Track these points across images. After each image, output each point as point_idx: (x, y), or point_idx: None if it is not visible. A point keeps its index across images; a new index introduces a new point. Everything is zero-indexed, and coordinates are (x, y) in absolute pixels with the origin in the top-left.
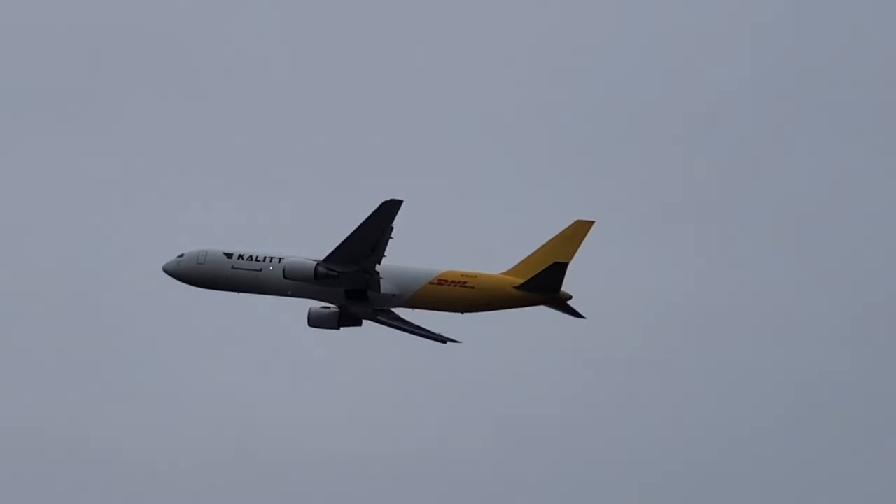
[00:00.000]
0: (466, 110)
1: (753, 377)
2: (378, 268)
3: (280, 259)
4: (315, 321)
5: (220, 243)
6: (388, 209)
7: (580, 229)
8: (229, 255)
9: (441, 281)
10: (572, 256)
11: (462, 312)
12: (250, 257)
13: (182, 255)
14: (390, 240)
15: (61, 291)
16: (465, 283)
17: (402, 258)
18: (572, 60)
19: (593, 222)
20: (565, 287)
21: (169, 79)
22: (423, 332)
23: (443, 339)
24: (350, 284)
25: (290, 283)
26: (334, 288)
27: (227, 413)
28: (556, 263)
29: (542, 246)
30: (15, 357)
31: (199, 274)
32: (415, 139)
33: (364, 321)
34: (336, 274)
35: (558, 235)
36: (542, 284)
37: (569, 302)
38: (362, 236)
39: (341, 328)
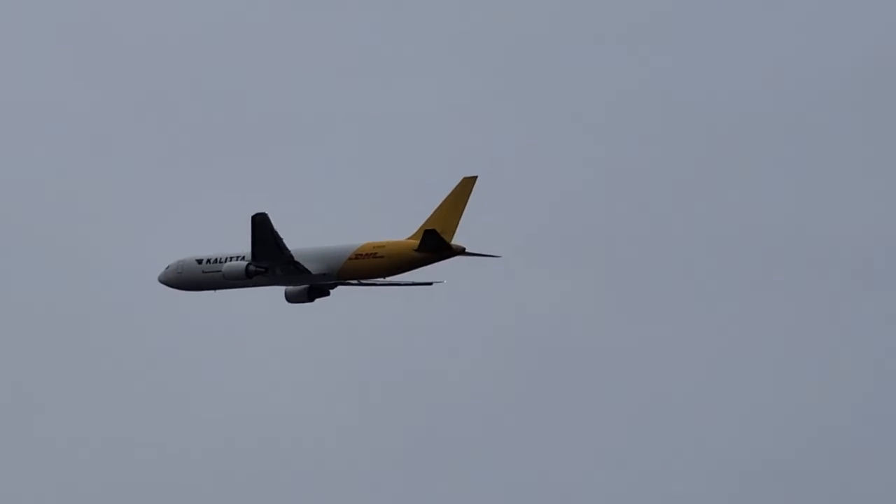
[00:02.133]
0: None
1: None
2: (309, 251)
3: (239, 258)
4: (290, 298)
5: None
6: (261, 222)
7: (466, 185)
8: (199, 261)
9: (357, 255)
10: (460, 213)
11: (384, 278)
12: (216, 260)
13: (168, 267)
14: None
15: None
16: (375, 254)
17: (337, 236)
18: None
19: (476, 177)
20: (458, 240)
21: None
22: (395, 283)
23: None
24: (284, 272)
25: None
26: (273, 277)
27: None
28: (426, 231)
29: (438, 206)
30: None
31: (182, 280)
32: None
33: (332, 290)
34: (264, 269)
35: (450, 193)
36: (431, 246)
37: (467, 249)
38: (260, 244)
39: (314, 300)
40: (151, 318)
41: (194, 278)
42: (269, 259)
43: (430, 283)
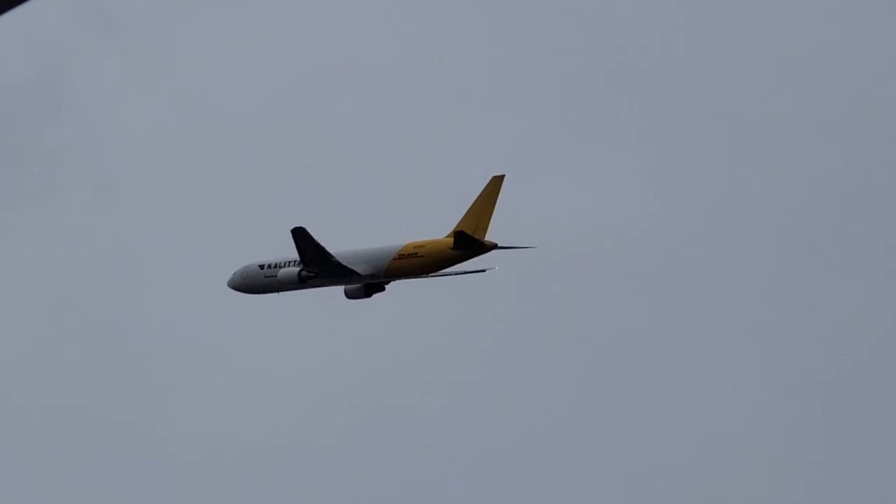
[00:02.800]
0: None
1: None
2: (356, 252)
3: (298, 262)
4: (349, 294)
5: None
6: (300, 234)
7: (496, 184)
8: (261, 266)
9: (401, 255)
10: (491, 210)
11: (427, 275)
12: (275, 265)
13: (234, 273)
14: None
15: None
16: (416, 253)
17: (382, 238)
18: None
19: (504, 176)
20: (490, 237)
21: None
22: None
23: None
24: (335, 275)
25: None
26: (325, 280)
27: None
28: (456, 232)
29: (471, 205)
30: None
31: (248, 285)
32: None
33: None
34: (315, 274)
35: (481, 192)
36: (464, 244)
37: (501, 244)
38: (306, 254)
39: (371, 295)
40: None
41: (258, 283)
42: (317, 265)
43: (484, 271)
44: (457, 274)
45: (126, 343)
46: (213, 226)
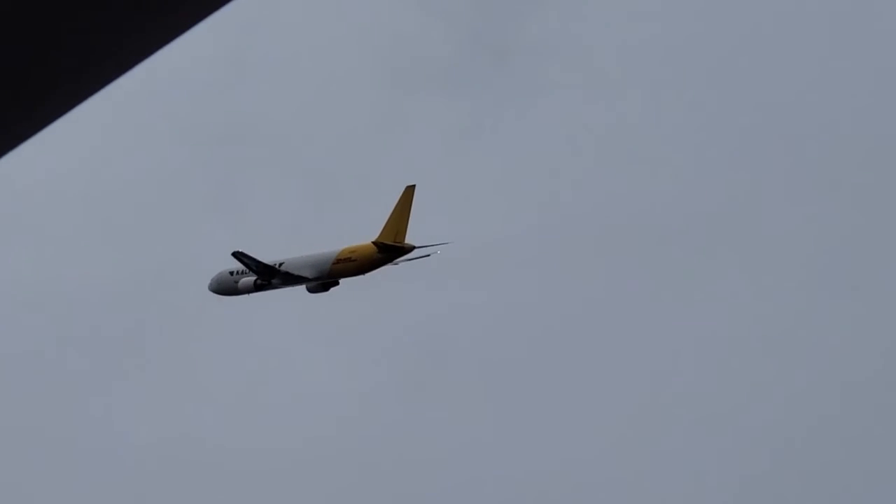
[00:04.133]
0: None
1: None
2: (302, 259)
3: (278, 264)
4: (310, 290)
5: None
6: (239, 256)
7: (409, 193)
8: (231, 273)
9: (338, 260)
10: (407, 216)
11: (363, 274)
12: (241, 272)
13: (211, 279)
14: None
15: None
16: (350, 258)
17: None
18: None
19: (415, 185)
20: (410, 239)
21: None
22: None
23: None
24: (286, 281)
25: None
26: (279, 285)
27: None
28: (374, 243)
29: (391, 212)
30: None
31: (221, 289)
32: None
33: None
34: (268, 282)
35: (398, 201)
36: (387, 250)
37: (416, 246)
38: (253, 269)
39: (329, 290)
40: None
41: (229, 287)
42: (268, 276)
43: (429, 255)
44: (407, 260)
45: None
46: None
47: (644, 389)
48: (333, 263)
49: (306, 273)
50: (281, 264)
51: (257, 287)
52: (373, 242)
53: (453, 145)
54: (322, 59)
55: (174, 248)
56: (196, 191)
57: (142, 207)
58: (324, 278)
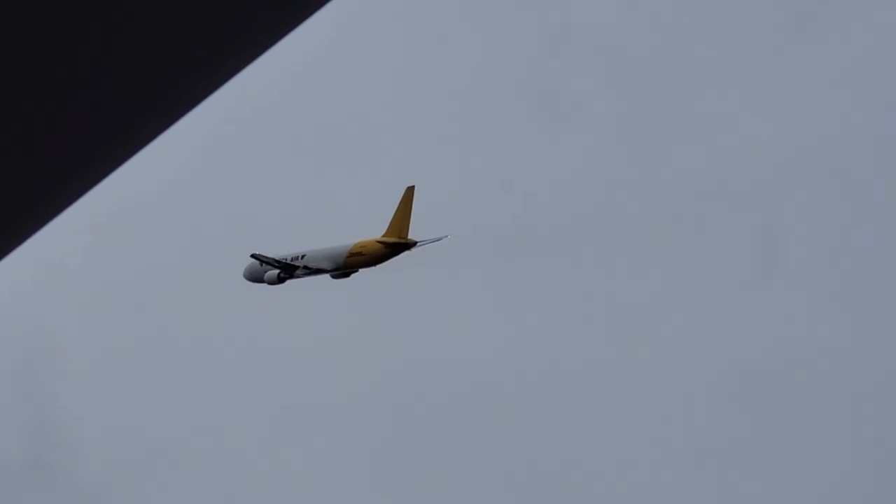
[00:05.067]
0: None
1: None
2: (320, 253)
3: (300, 256)
4: (333, 277)
5: None
6: (257, 257)
7: (409, 193)
8: (261, 263)
9: (351, 253)
10: (409, 214)
11: (374, 266)
12: (269, 263)
13: (245, 267)
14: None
15: None
16: (361, 252)
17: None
18: None
19: (414, 186)
20: (413, 235)
21: None
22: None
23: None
24: (307, 273)
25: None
26: (302, 277)
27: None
28: (378, 242)
29: (395, 211)
30: None
31: (253, 277)
32: None
33: None
34: (289, 276)
35: (399, 201)
36: (392, 246)
37: (420, 241)
38: (275, 266)
39: (350, 276)
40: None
41: (259, 275)
42: (289, 270)
43: (440, 239)
44: (419, 245)
45: None
46: None
47: None
48: (347, 257)
49: (324, 265)
50: (302, 257)
51: (280, 279)
52: (377, 241)
53: None
54: None
55: None
56: None
57: None
58: (340, 269)
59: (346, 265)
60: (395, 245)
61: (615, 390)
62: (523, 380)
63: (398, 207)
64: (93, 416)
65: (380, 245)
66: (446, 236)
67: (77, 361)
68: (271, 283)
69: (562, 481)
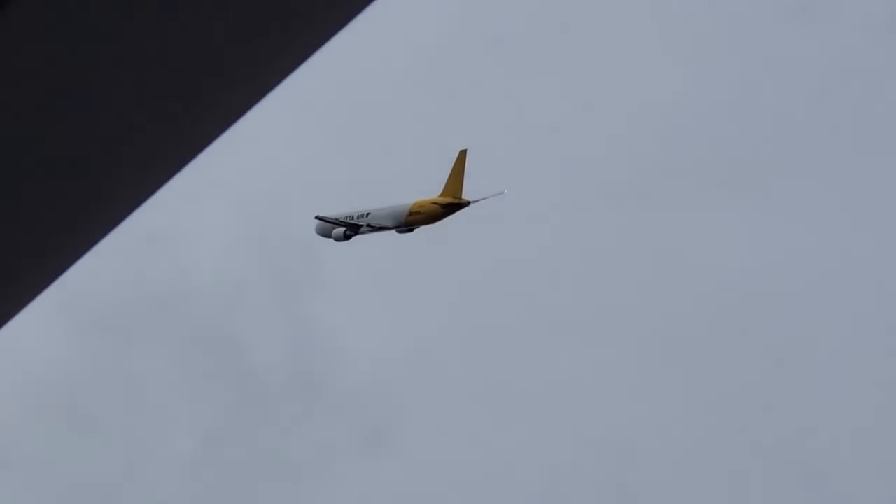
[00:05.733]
0: None
1: None
2: (382, 211)
3: (365, 214)
4: (398, 232)
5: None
6: (321, 219)
7: (462, 156)
8: (322, 219)
9: (411, 212)
10: (462, 178)
11: (433, 223)
12: (336, 220)
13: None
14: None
15: None
16: (419, 211)
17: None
18: None
19: (466, 150)
20: (466, 195)
21: None
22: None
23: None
24: (372, 230)
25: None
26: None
27: None
28: (433, 202)
29: (449, 174)
30: None
31: (325, 233)
32: None
33: None
34: (354, 233)
35: (454, 164)
36: (448, 206)
37: (474, 199)
38: (341, 225)
39: (413, 230)
40: None
41: (328, 232)
42: (353, 228)
43: (501, 193)
44: (477, 201)
45: None
46: None
47: None
48: (407, 216)
49: (387, 223)
50: (367, 214)
51: (346, 237)
52: (433, 202)
53: None
54: None
55: None
56: None
57: None
58: (402, 226)
59: (407, 223)
60: (449, 205)
61: None
62: None
63: (452, 170)
64: (353, 327)
65: (436, 206)
66: (503, 192)
67: (333, 272)
68: (338, 239)
69: None
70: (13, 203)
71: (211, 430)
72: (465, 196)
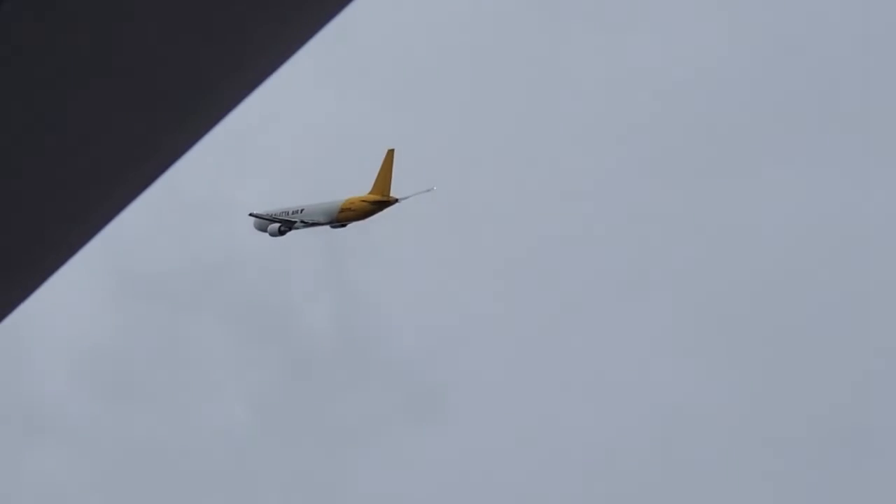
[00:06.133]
0: None
1: None
2: (315, 207)
3: (298, 210)
4: (332, 227)
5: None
6: (255, 216)
7: (390, 155)
8: (256, 216)
9: (342, 209)
10: (390, 175)
11: (363, 219)
12: (272, 216)
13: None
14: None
15: None
16: (350, 208)
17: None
18: None
19: (394, 149)
20: (395, 193)
21: None
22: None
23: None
24: (305, 226)
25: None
26: (301, 229)
27: None
28: (362, 200)
29: (378, 172)
30: None
31: (261, 227)
32: None
33: None
34: (288, 229)
35: (382, 162)
36: (377, 202)
37: (401, 197)
38: (275, 221)
39: (347, 225)
40: None
41: (264, 227)
42: (288, 224)
43: (429, 190)
44: (406, 198)
45: None
46: None
47: None
48: (339, 212)
49: (320, 219)
50: (301, 210)
51: (281, 232)
52: (363, 200)
53: None
54: None
55: None
56: None
57: None
58: (334, 223)
59: (339, 219)
60: (378, 202)
61: None
62: None
63: (381, 168)
64: (402, 293)
65: (365, 203)
66: (432, 188)
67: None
68: (273, 235)
69: None
70: (13, 201)
71: (259, 396)
72: (393, 194)
